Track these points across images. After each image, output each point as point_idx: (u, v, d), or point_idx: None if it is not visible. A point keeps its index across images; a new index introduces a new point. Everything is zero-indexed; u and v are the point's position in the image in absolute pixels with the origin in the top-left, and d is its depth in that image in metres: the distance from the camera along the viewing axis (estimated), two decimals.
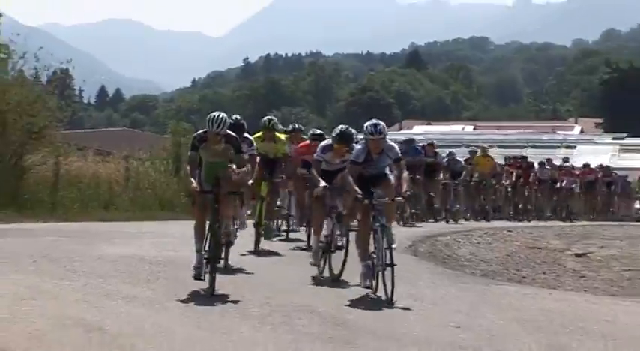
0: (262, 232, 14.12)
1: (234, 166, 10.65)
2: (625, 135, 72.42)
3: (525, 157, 30.78)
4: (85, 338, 8.15)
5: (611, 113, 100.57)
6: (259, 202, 14.09)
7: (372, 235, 10.81)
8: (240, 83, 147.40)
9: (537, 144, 57.27)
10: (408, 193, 11.08)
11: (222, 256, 11.63)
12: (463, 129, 74.82)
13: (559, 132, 75.19)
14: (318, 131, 15.43)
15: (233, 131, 11.46)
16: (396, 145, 11.19)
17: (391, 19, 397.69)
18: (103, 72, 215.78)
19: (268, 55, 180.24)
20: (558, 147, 58.15)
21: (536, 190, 29.26)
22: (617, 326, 10.24)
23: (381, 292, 10.42)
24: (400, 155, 11.09)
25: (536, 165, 30.05)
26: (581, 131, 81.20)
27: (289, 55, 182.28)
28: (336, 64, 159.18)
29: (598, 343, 9.28)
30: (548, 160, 31.34)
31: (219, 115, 10.64)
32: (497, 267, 14.08)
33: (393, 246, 10.58)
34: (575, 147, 59.37)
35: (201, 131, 10.85)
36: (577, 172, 31.59)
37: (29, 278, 11.05)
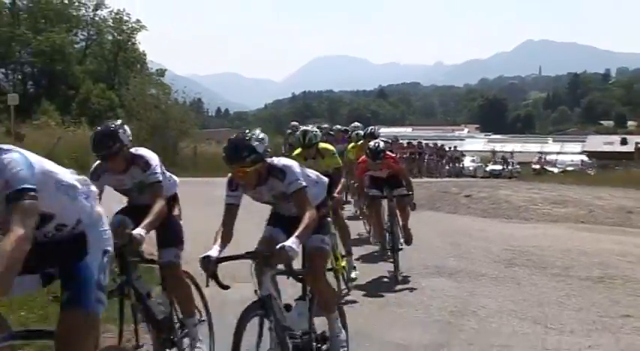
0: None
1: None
2: (491, 133, 72.48)
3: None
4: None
5: (484, 122, 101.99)
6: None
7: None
8: (289, 106, 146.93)
9: (444, 138, 56.82)
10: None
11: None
12: (406, 130, 74.49)
13: (456, 132, 75.01)
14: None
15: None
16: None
17: (368, 72, 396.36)
18: (219, 100, 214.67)
19: (304, 91, 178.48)
20: (456, 139, 57.73)
21: None
22: (487, 232, 10.16)
23: None
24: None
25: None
26: (468, 131, 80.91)
27: (315, 91, 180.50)
28: (340, 96, 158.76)
29: (477, 241, 9.21)
30: (396, 139, 24.67)
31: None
32: (424, 202, 13.91)
33: None
34: (464, 139, 59.01)
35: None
36: (403, 147, 25.90)
37: None
